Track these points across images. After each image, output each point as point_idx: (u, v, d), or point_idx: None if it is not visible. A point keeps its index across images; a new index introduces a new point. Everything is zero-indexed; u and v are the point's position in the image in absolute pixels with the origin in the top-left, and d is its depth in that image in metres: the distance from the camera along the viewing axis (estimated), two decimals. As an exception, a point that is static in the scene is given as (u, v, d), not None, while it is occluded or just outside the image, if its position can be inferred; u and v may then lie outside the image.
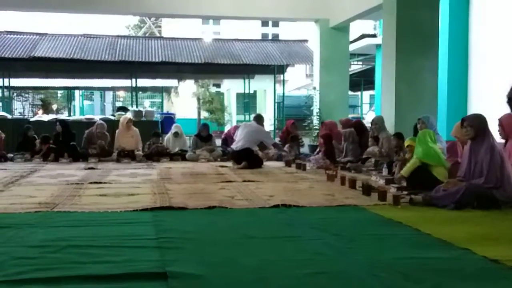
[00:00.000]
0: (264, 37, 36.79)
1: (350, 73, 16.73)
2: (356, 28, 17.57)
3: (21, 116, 18.14)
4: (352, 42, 16.57)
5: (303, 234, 4.02)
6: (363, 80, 21.69)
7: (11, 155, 10.36)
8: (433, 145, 6.24)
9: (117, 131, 11.12)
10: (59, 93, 28.08)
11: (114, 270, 2.99)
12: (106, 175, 7.95)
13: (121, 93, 29.43)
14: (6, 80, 18.09)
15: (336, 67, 13.46)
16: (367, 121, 13.35)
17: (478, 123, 5.44)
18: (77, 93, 27.73)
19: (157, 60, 16.01)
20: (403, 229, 4.25)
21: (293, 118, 13.14)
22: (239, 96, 26.71)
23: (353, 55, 19.58)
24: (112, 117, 13.83)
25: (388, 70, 9.51)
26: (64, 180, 7.23)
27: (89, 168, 8.87)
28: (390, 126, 9.08)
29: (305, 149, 12.03)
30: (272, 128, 16.75)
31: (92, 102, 31.74)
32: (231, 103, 29.64)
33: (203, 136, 11.30)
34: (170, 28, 39.13)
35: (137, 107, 16.35)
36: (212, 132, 12.11)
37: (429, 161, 6.15)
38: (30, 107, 23.23)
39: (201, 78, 24.34)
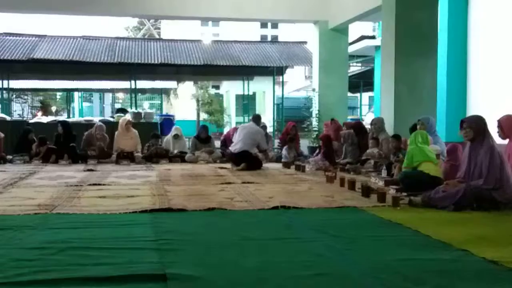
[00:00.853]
0: (263, 39, 36.83)
1: (349, 74, 16.75)
2: (355, 30, 17.59)
3: (20, 118, 18.11)
4: (351, 43, 16.57)
5: (302, 236, 4.03)
6: (362, 82, 21.70)
7: (10, 157, 10.35)
8: (421, 145, 6.31)
9: (116, 133, 11.12)
10: (58, 95, 28.06)
11: (113, 272, 2.99)
12: (105, 177, 7.94)
13: (120, 95, 29.40)
14: (5, 82, 18.07)
15: (335, 68, 13.47)
16: (366, 122, 13.34)
17: (477, 125, 5.45)
18: (76, 95, 27.68)
19: (156, 61, 15.99)
20: (403, 231, 4.26)
21: (292, 119, 13.13)
22: (238, 97, 26.67)
23: (352, 56, 19.58)
24: (111, 119, 13.81)
25: (387, 72, 9.51)
26: (63, 182, 7.22)
27: (88, 170, 8.86)
28: (389, 127, 9.08)
29: (304, 151, 12.01)
30: (271, 129, 16.73)
31: (91, 104, 31.72)
32: (230, 104, 29.62)
33: (202, 137, 11.30)
34: (169, 29, 39.16)
35: (136, 108, 16.33)
36: (211, 134, 12.10)
37: (415, 160, 6.20)
38: (29, 109, 23.18)
39: (200, 79, 24.29)
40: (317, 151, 10.32)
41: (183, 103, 28.89)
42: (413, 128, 7.80)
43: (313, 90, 13.93)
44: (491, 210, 5.09)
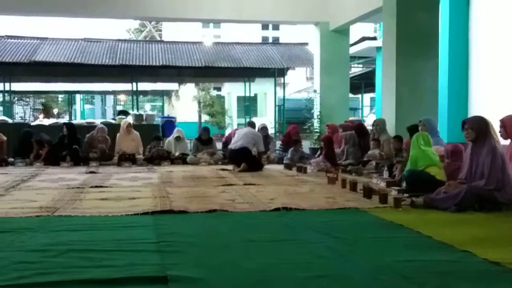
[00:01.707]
0: (265, 40, 36.85)
1: (351, 75, 16.74)
2: (356, 31, 17.58)
3: (22, 121, 18.13)
4: (352, 44, 16.56)
5: (304, 237, 4.02)
6: (364, 83, 21.68)
7: (12, 159, 10.36)
8: (425, 148, 6.25)
9: (118, 135, 11.13)
10: (60, 97, 28.09)
11: (115, 274, 2.99)
12: (107, 179, 7.95)
13: (121, 97, 29.42)
14: (7, 84, 18.10)
15: (336, 70, 13.47)
16: (368, 123, 13.34)
17: (479, 125, 5.44)
18: (78, 97, 27.71)
19: (157, 63, 16.01)
20: (404, 232, 4.25)
21: (294, 121, 13.15)
22: (240, 99, 26.70)
23: (354, 57, 19.57)
24: (113, 121, 13.83)
25: (389, 73, 9.51)
26: (65, 184, 7.23)
27: (90, 172, 8.86)
28: (390, 128, 9.07)
29: (305, 152, 12.01)
30: (273, 131, 16.72)
31: (93, 106, 31.75)
32: (231, 106, 29.63)
33: (204, 139, 11.31)
34: (171, 31, 39.19)
35: (138, 110, 16.35)
36: (212, 136, 12.10)
37: (419, 164, 6.16)
38: (31, 111, 23.21)
39: (201, 81, 24.33)
40: (319, 152, 10.32)
41: (184, 105, 28.93)
42: (411, 128, 7.77)
43: (315, 91, 13.93)
44: (493, 211, 5.08)
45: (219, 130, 26.69)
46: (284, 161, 10.20)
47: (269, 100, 25.91)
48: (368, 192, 5.99)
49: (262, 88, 25.44)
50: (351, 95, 17.32)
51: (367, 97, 26.33)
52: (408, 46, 9.21)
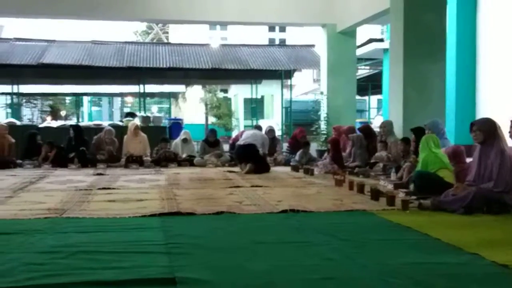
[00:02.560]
0: (271, 42, 36.84)
1: (358, 77, 16.72)
2: (363, 33, 17.56)
3: (30, 123, 18.21)
4: (359, 46, 16.57)
5: (311, 239, 4.02)
6: (371, 85, 21.65)
7: (20, 161, 10.41)
8: (435, 150, 6.21)
9: (125, 137, 11.16)
10: (68, 99, 28.24)
11: (123, 276, 3.00)
12: (114, 180, 7.97)
13: (128, 99, 29.53)
14: (15, 86, 18.22)
15: (343, 71, 13.45)
16: (375, 125, 13.30)
17: (487, 127, 5.42)
18: (85, 99, 27.86)
19: (164, 66, 16.06)
20: (412, 234, 4.24)
21: (300, 123, 13.13)
22: (247, 101, 26.70)
23: (361, 59, 19.57)
24: (120, 123, 13.87)
25: (396, 74, 9.48)
26: (73, 186, 7.26)
27: (97, 174, 8.90)
28: (398, 130, 9.05)
29: (312, 154, 12.01)
30: (280, 133, 16.71)
31: (100, 108, 31.89)
32: (238, 108, 29.66)
33: (211, 141, 11.32)
34: (178, 34, 39.29)
35: (145, 112, 16.40)
36: (219, 138, 12.12)
37: (430, 167, 6.13)
38: (39, 113, 23.33)
39: (208, 83, 24.38)
40: (325, 154, 10.31)
41: (191, 106, 28.98)
42: (415, 130, 7.72)
43: (321, 93, 13.91)
44: (501, 214, 5.06)
45: (226, 132, 26.71)
46: (291, 163, 10.20)
47: (276, 102, 25.94)
48: (376, 194, 5.97)
49: (269, 90, 25.45)
50: (358, 97, 17.29)
51: (374, 99, 26.27)
52: (415, 47, 9.18)
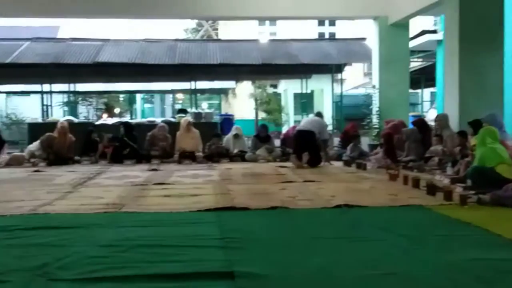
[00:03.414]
0: (321, 36, 36.52)
1: (410, 70, 16.36)
2: (416, 24, 17.16)
3: (86, 120, 18.76)
4: (412, 38, 16.18)
5: (368, 235, 3.97)
6: (424, 77, 21.16)
7: (78, 157, 10.73)
8: (492, 145, 6.00)
9: (177, 133, 11.32)
10: (121, 97, 28.88)
11: (182, 269, 3.06)
12: (168, 176, 8.10)
13: (179, 95, 29.93)
14: (71, 85, 18.79)
15: (396, 65, 13.19)
16: (429, 119, 13.00)
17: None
18: (138, 96, 28.41)
19: (215, 62, 16.17)
20: (472, 230, 4.13)
21: (352, 117, 12.97)
22: (296, 96, 26.56)
23: (413, 51, 19.11)
24: (172, 119, 14.09)
25: (451, 66, 9.24)
26: (129, 181, 7.43)
27: (152, 170, 9.07)
28: (453, 123, 8.82)
29: (364, 148, 11.86)
30: (331, 127, 16.56)
31: (152, 105, 32.47)
32: (288, 103, 29.57)
33: (262, 136, 11.35)
34: (227, 30, 39.51)
35: (196, 109, 16.60)
36: (269, 133, 12.13)
37: (488, 163, 5.92)
38: (94, 111, 23.97)
39: (258, 79, 24.40)
40: (378, 148, 10.16)
41: (241, 102, 29.10)
42: (473, 123, 7.50)
43: (373, 87, 13.70)
44: None
45: (276, 127, 26.68)
46: (343, 158, 10.11)
47: (326, 96, 25.68)
48: (432, 189, 5.84)
49: (319, 85, 25.24)
50: (410, 90, 16.91)
51: (427, 91, 25.63)
52: (471, 38, 8.92)
